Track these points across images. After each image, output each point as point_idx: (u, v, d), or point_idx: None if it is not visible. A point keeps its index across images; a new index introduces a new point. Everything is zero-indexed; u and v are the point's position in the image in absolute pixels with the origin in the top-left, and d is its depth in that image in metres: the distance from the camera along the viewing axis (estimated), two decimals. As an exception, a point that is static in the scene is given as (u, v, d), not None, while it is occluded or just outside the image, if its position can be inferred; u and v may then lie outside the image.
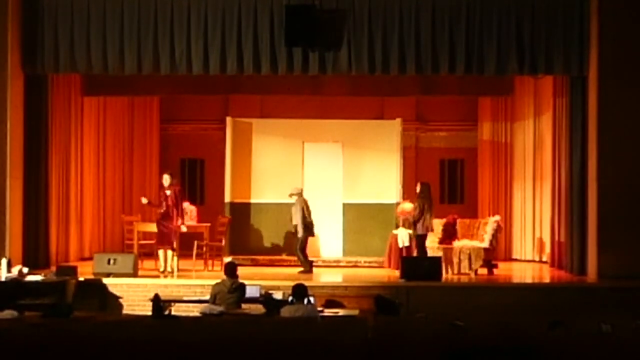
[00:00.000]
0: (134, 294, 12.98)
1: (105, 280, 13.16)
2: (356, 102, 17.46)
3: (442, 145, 18.34)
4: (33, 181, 14.58)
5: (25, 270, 13.13)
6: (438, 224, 15.31)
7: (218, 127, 17.81)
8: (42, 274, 13.23)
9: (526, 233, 17.32)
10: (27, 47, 14.29)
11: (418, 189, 14.84)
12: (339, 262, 16.41)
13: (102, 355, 7.26)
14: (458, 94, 16.81)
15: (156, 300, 11.13)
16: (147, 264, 14.98)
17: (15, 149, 14.20)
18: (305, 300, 10.52)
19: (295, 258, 15.06)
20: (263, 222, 17.04)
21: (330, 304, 12.29)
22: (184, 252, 14.99)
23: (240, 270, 12.25)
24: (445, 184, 18.33)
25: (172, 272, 14.18)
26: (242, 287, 11.72)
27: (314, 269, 15.01)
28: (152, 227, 15.35)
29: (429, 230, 14.65)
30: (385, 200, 16.99)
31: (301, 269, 14.73)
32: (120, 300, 13.01)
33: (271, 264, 15.90)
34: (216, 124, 17.95)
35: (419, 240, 14.64)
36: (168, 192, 14.38)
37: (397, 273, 14.19)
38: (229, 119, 17.34)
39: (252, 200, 17.14)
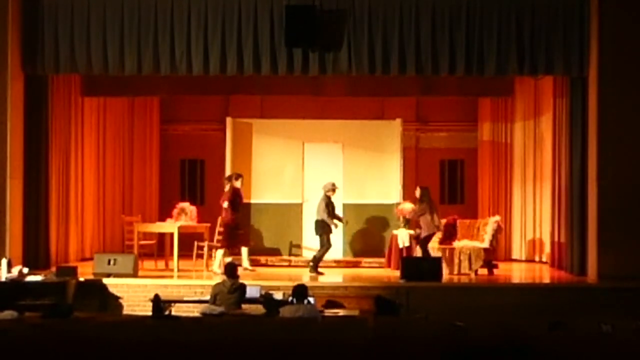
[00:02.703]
0: (134, 294, 12.98)
1: (105, 281, 13.16)
2: (356, 103, 17.45)
3: (442, 146, 18.33)
4: (33, 181, 14.57)
5: (26, 270, 13.13)
6: (438, 225, 15.36)
7: (218, 127, 17.79)
8: (42, 275, 13.23)
9: (526, 233, 17.32)
10: (27, 48, 14.29)
11: (418, 194, 14.93)
12: (339, 262, 16.40)
13: (103, 355, 7.26)
14: (458, 95, 16.82)
15: (156, 301, 11.13)
16: (147, 264, 15.01)
17: (15, 149, 14.19)
18: (306, 301, 10.52)
19: (296, 258, 15.04)
20: (263, 223, 17.04)
21: (330, 304, 12.29)
22: (184, 252, 15.02)
23: (241, 271, 12.25)
24: (446, 185, 18.32)
25: None
26: (243, 287, 11.72)
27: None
28: (152, 228, 15.39)
29: (439, 230, 14.82)
30: (386, 200, 16.99)
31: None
32: (121, 300, 13.01)
33: (271, 264, 15.89)
34: (216, 124, 17.94)
35: (424, 241, 14.68)
36: None
37: (397, 273, 14.19)
38: (229, 120, 17.33)
39: (252, 201, 17.14)
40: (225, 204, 14.66)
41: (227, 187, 14.91)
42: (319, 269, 14.65)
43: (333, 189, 14.96)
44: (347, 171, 17.24)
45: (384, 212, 16.99)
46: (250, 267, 14.59)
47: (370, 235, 16.99)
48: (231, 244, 14.85)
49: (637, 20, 13.78)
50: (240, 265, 13.58)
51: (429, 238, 14.77)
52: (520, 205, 17.45)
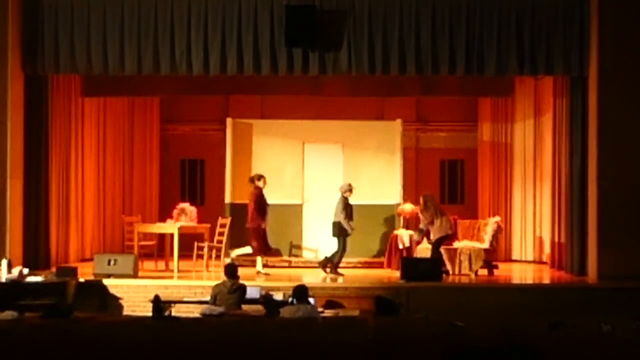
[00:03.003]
0: (134, 294, 12.98)
1: (105, 281, 13.16)
2: (356, 103, 17.44)
3: (442, 146, 18.32)
4: (33, 181, 14.57)
5: (26, 271, 13.12)
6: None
7: (218, 127, 17.79)
8: (43, 275, 13.22)
9: (526, 234, 17.31)
10: (27, 47, 14.29)
11: (421, 202, 14.84)
12: (339, 262, 16.37)
13: (103, 356, 7.26)
14: (458, 95, 16.81)
15: (156, 301, 11.13)
16: (148, 265, 15.01)
17: (15, 149, 14.19)
18: (306, 302, 10.51)
19: (296, 259, 14.99)
20: (263, 223, 17.00)
21: (330, 304, 12.29)
22: (184, 253, 15.01)
23: (241, 271, 12.25)
24: (446, 185, 18.31)
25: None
26: (243, 288, 11.72)
27: (315, 270, 15.01)
28: (152, 228, 15.39)
29: (446, 232, 14.65)
30: (386, 201, 16.97)
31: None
32: (121, 301, 13.00)
33: (271, 264, 15.88)
34: (216, 124, 17.93)
35: (435, 243, 14.62)
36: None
37: (397, 273, 14.19)
38: (229, 120, 17.32)
39: (253, 201, 17.11)
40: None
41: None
42: (330, 270, 14.58)
43: (350, 189, 14.84)
44: (347, 171, 17.21)
45: (384, 213, 16.97)
46: (263, 271, 14.54)
47: (370, 235, 16.96)
48: (266, 249, 14.93)
49: (637, 20, 13.78)
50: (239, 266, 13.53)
51: (441, 240, 14.65)
52: (520, 205, 17.44)
